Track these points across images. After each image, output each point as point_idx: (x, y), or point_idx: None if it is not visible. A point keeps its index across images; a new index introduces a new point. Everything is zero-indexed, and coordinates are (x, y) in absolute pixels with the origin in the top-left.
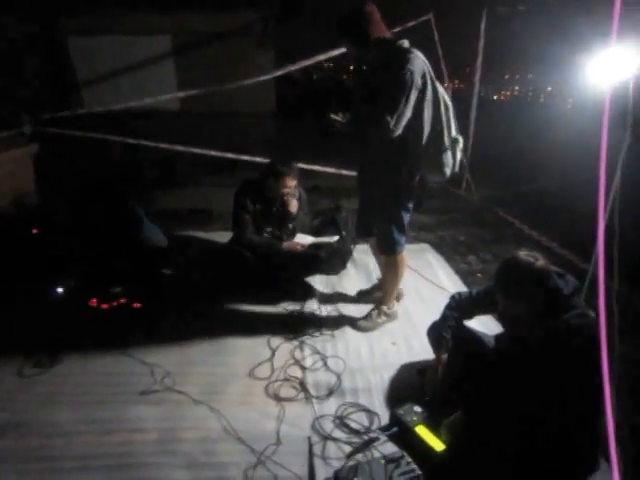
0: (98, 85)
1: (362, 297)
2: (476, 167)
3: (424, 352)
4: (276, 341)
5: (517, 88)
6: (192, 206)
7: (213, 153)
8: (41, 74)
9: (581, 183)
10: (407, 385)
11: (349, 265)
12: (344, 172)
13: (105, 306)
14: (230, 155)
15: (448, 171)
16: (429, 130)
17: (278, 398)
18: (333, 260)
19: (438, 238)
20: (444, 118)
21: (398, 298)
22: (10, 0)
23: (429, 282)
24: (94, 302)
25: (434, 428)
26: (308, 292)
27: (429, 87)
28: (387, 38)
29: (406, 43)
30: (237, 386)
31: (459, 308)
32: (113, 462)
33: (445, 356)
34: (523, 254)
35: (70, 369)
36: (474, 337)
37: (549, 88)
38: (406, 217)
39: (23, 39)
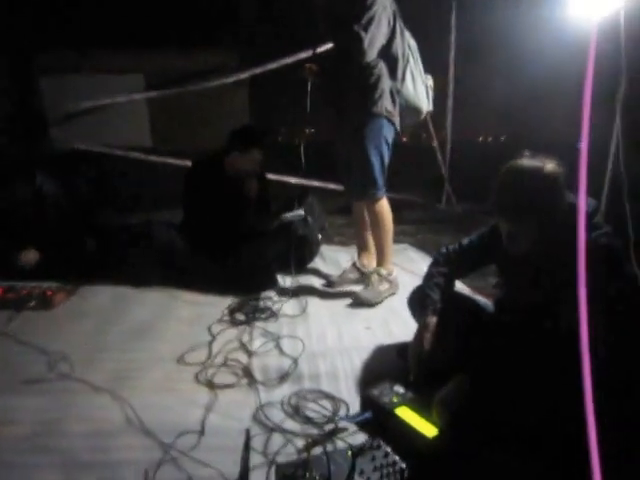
0: (67, 124)
1: (334, 283)
2: (456, 178)
3: (405, 336)
4: (219, 327)
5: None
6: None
7: (171, 161)
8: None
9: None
10: (385, 367)
11: (317, 260)
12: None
13: (11, 295)
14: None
15: (424, 107)
16: (403, 63)
17: (211, 385)
18: (299, 249)
19: (419, 242)
20: (414, 55)
21: None
22: None
23: (411, 274)
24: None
25: (422, 410)
26: (269, 279)
27: (397, 19)
28: None
29: None
30: (157, 372)
31: (447, 262)
32: None
33: (433, 319)
34: (526, 159)
35: None
36: (467, 297)
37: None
38: (386, 155)
39: None
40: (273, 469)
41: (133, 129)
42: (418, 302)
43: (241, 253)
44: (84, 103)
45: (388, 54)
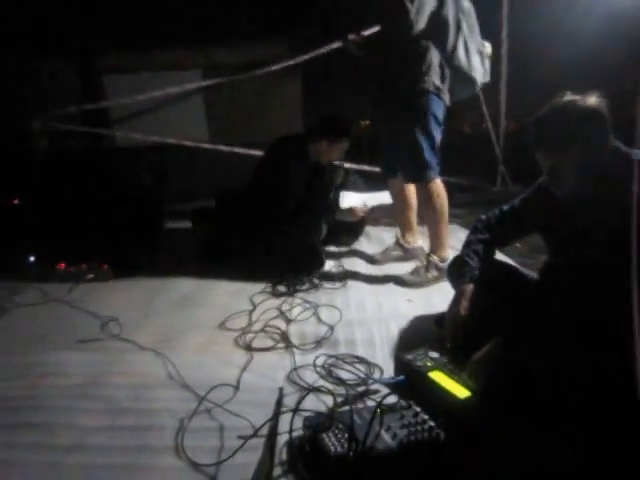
0: (129, 120)
1: (377, 261)
2: (511, 160)
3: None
4: (261, 297)
5: None
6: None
7: (223, 148)
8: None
9: None
10: (422, 336)
11: (362, 239)
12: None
13: (72, 269)
14: (239, 150)
15: (478, 77)
16: (455, 31)
17: (249, 348)
18: (346, 229)
19: (469, 223)
20: (469, 21)
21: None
22: (43, 39)
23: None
24: (62, 265)
25: (455, 375)
26: (316, 260)
27: None
28: None
29: None
30: (199, 336)
31: (487, 229)
32: (14, 404)
33: (470, 287)
34: (568, 94)
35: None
36: (509, 265)
37: None
38: (438, 135)
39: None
40: (301, 420)
41: (191, 124)
42: (456, 269)
43: (290, 232)
44: (140, 96)
45: (437, 22)
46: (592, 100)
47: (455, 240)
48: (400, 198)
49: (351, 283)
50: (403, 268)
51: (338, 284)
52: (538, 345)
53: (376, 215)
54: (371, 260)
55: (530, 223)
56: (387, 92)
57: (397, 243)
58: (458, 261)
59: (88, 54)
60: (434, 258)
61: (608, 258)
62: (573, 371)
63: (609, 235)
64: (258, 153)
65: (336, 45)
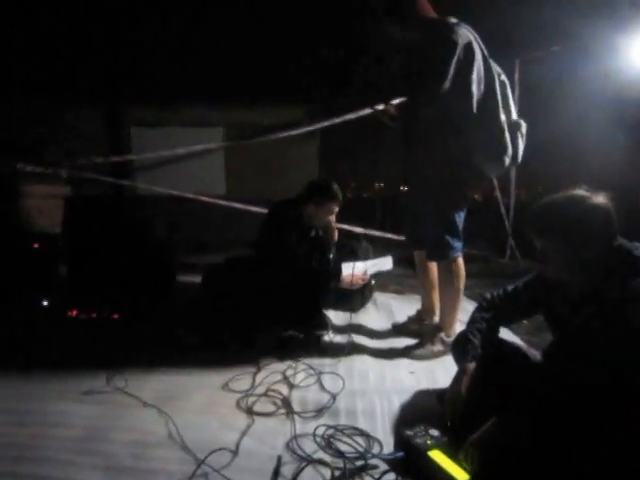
0: (151, 171)
1: (395, 329)
2: (521, 233)
3: (448, 383)
4: (266, 360)
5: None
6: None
7: (237, 205)
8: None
9: None
10: (424, 411)
11: (369, 305)
12: (390, 235)
13: (83, 316)
14: (254, 208)
15: (507, 160)
16: (482, 111)
17: (250, 411)
18: (353, 295)
19: (476, 295)
20: (500, 98)
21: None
22: (77, 88)
23: (464, 325)
24: (73, 312)
25: (455, 455)
26: (321, 321)
27: (479, 61)
28: (432, 17)
29: (453, 19)
30: (202, 396)
31: (491, 308)
32: (14, 453)
33: (472, 365)
34: (578, 190)
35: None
36: (511, 344)
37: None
38: (460, 218)
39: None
40: None
41: (210, 177)
42: (459, 347)
43: (298, 294)
44: (163, 152)
45: (462, 104)
46: (599, 200)
47: (461, 312)
48: (424, 272)
49: (356, 351)
50: (409, 340)
51: (343, 352)
52: (536, 428)
53: (384, 281)
54: (391, 326)
55: (532, 305)
56: (414, 168)
57: (417, 316)
58: (462, 338)
59: (118, 106)
60: (442, 335)
61: (606, 350)
62: (572, 456)
63: (608, 330)
64: (256, 209)
65: (362, 113)
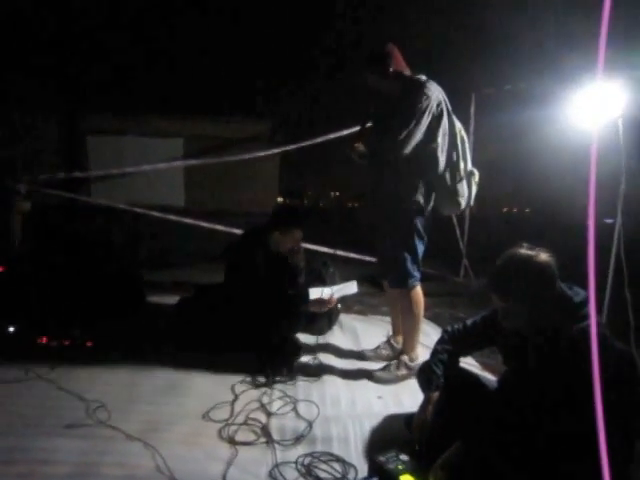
0: (108, 181)
1: (367, 357)
2: (475, 255)
3: (416, 407)
4: (241, 387)
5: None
6: (178, 278)
7: (204, 224)
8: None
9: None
10: (393, 435)
11: (335, 327)
12: (353, 255)
13: (54, 343)
14: (220, 227)
15: (463, 202)
16: (445, 159)
17: (232, 441)
18: (320, 318)
19: (434, 315)
20: (460, 149)
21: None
22: (34, 93)
23: (425, 347)
24: (44, 339)
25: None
26: (294, 351)
27: (445, 116)
28: (406, 74)
29: (423, 77)
30: (185, 426)
31: (452, 341)
32: None
33: (436, 394)
34: (522, 248)
35: None
36: (470, 373)
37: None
38: (420, 247)
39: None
40: None
41: (168, 190)
42: (424, 376)
43: (270, 319)
44: (128, 168)
45: (427, 150)
46: (543, 257)
47: (423, 336)
48: (393, 299)
49: (326, 376)
50: (375, 363)
51: (314, 377)
52: (495, 451)
53: (348, 302)
54: (361, 356)
55: (487, 341)
56: (376, 206)
57: (388, 342)
58: (426, 368)
59: (74, 113)
60: (405, 358)
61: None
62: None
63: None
64: (222, 228)
65: (319, 140)
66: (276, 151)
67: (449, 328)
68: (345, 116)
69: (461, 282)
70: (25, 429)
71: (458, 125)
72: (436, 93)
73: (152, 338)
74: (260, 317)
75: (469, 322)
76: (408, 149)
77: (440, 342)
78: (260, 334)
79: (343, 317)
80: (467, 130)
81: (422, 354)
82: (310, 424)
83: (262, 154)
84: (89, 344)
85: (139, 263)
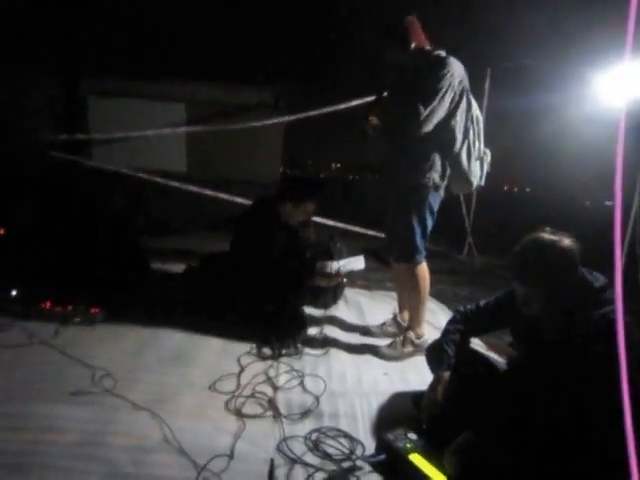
0: (109, 144)
1: (373, 334)
2: (478, 232)
3: (422, 385)
4: (247, 359)
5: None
6: (181, 246)
7: (208, 192)
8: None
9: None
10: (400, 413)
11: (340, 302)
12: (358, 229)
13: (58, 308)
14: (224, 196)
15: (475, 181)
16: (461, 138)
17: (240, 414)
18: (326, 292)
19: (437, 292)
20: (475, 129)
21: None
22: (40, 55)
23: (429, 325)
24: (47, 304)
25: (433, 459)
26: (300, 323)
27: (464, 95)
28: (425, 48)
29: (443, 53)
30: (191, 397)
31: (464, 321)
32: (13, 461)
33: (447, 374)
34: (546, 232)
35: None
36: (481, 355)
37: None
38: (430, 223)
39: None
40: None
41: (170, 155)
42: (435, 355)
43: (272, 295)
44: (132, 132)
45: (446, 128)
46: (567, 243)
47: (429, 313)
48: (399, 275)
49: (332, 351)
50: (380, 341)
51: (320, 351)
52: (505, 438)
53: (353, 277)
54: (367, 332)
55: (501, 322)
56: (391, 179)
57: (394, 319)
58: (437, 347)
59: (76, 73)
60: (411, 335)
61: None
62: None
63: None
64: (225, 197)
65: (328, 110)
66: (282, 120)
67: (462, 308)
68: (356, 84)
69: (464, 260)
70: (29, 395)
71: (474, 104)
72: (458, 70)
73: (158, 306)
74: (267, 288)
75: (482, 303)
76: (430, 127)
77: (452, 322)
78: (267, 305)
79: (348, 292)
80: (480, 106)
81: (427, 332)
82: (317, 399)
83: (269, 122)
84: (94, 310)
85: (140, 229)
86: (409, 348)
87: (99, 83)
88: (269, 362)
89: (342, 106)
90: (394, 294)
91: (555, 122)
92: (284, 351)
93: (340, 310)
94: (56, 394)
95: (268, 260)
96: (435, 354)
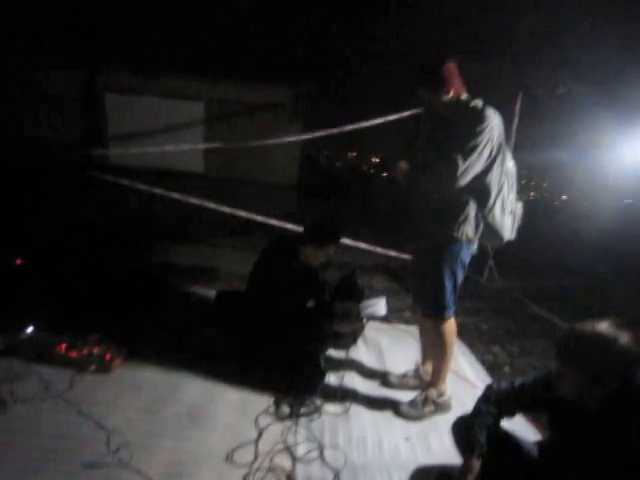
0: (127, 140)
1: (393, 384)
2: (499, 256)
3: (444, 453)
4: (265, 419)
5: (532, 194)
6: (199, 262)
7: (226, 210)
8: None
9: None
10: None
11: (359, 342)
12: (379, 250)
13: (73, 354)
14: (243, 214)
15: (506, 235)
16: (496, 192)
17: None
18: (346, 334)
19: (459, 325)
20: (510, 182)
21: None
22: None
23: (453, 373)
24: (62, 348)
25: None
26: (317, 370)
27: (501, 149)
28: (463, 98)
29: (480, 103)
30: (209, 471)
31: (498, 402)
32: None
33: (477, 463)
34: (609, 322)
35: (9, 424)
36: (515, 441)
37: (564, 197)
38: (461, 276)
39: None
40: None
41: (188, 154)
42: (464, 435)
43: (291, 341)
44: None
45: (482, 182)
46: (626, 339)
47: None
48: (427, 332)
49: (352, 408)
50: (400, 393)
51: (339, 408)
52: None
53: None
54: (387, 383)
55: (537, 406)
56: (422, 232)
57: (416, 373)
58: (468, 428)
59: (94, 69)
60: (433, 393)
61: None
62: None
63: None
64: (244, 215)
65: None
66: (302, 138)
67: (495, 385)
68: (380, 96)
69: (484, 283)
70: (42, 466)
71: (509, 155)
72: (497, 123)
73: (174, 349)
74: (286, 334)
75: (517, 383)
76: (466, 181)
77: (485, 402)
78: (285, 352)
79: (367, 330)
80: (510, 130)
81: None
82: (337, 475)
83: (287, 140)
84: (109, 356)
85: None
86: (430, 407)
87: (116, 79)
88: (287, 423)
89: (365, 124)
90: (414, 328)
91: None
92: (302, 409)
93: (360, 352)
94: (70, 464)
95: (287, 303)
96: (465, 436)
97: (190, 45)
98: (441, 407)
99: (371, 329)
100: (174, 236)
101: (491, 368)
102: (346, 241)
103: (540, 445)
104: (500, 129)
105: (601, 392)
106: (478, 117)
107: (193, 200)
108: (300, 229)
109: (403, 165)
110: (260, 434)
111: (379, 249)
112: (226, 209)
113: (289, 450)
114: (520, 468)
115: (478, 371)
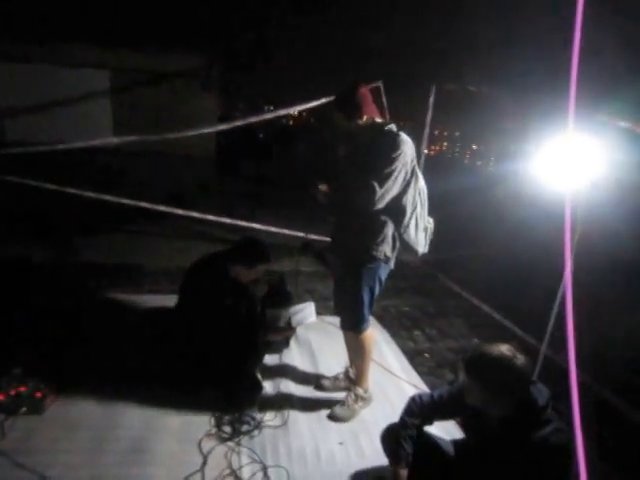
0: (24, 115)
1: (325, 388)
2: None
3: (375, 454)
4: (208, 442)
5: (445, 144)
6: (119, 259)
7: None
8: None
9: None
10: None
11: (291, 342)
12: (286, 232)
13: (1, 397)
14: (162, 208)
15: (420, 250)
16: (410, 211)
17: None
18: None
19: (382, 309)
20: (422, 200)
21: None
22: None
23: (378, 365)
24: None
25: None
26: (255, 384)
27: (414, 172)
28: (376, 121)
29: (394, 127)
30: None
31: (420, 414)
32: None
33: (405, 472)
34: (504, 346)
35: None
36: (435, 446)
37: (474, 146)
38: (377, 291)
39: None
40: None
41: (94, 127)
42: (392, 446)
43: (224, 358)
44: (55, 145)
45: (398, 203)
46: (522, 361)
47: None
48: (349, 342)
49: (290, 418)
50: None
51: (278, 419)
52: None
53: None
54: (320, 386)
55: (453, 413)
56: (341, 251)
57: (346, 375)
58: (394, 439)
59: None
60: (359, 391)
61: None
62: None
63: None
64: (212, 218)
65: (268, 117)
66: (218, 129)
67: (418, 399)
68: (305, 64)
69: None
70: None
71: (420, 175)
72: (410, 148)
73: (106, 376)
74: (219, 350)
75: (436, 395)
76: (382, 205)
77: (409, 414)
78: (221, 369)
79: (297, 330)
80: (424, 121)
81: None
82: None
83: (206, 130)
84: (39, 394)
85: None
86: (360, 403)
87: (4, 46)
88: (230, 444)
89: (282, 112)
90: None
91: None
92: (244, 427)
93: (292, 354)
94: None
95: (218, 320)
96: (393, 445)
97: (91, 8)
98: (367, 400)
99: (301, 329)
100: (86, 231)
101: (412, 355)
102: (271, 229)
103: (455, 444)
104: (412, 152)
105: (499, 409)
106: (393, 143)
107: (90, 194)
108: (228, 220)
109: (322, 187)
110: (205, 460)
111: (300, 234)
112: (210, 217)
113: (234, 474)
114: (438, 467)
115: (401, 361)
